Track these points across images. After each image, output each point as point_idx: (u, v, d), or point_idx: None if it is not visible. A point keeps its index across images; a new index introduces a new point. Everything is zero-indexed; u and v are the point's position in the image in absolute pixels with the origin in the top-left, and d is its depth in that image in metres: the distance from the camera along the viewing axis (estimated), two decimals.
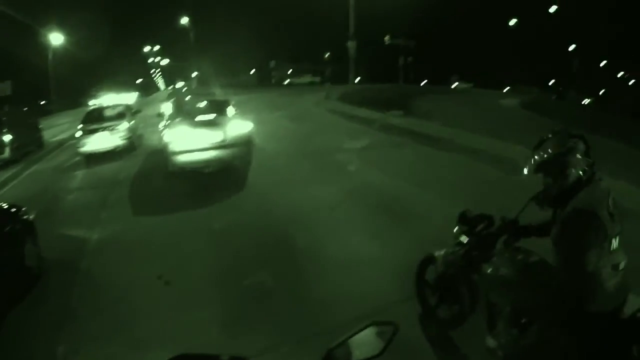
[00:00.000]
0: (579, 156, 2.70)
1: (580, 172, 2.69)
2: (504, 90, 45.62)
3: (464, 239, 3.61)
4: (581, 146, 2.72)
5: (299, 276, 5.46)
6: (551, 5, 50.40)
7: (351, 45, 26.77)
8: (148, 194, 10.00)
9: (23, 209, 6.53)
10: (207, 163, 9.58)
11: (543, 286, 2.94)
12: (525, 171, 2.87)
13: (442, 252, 3.88)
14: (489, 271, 3.31)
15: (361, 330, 1.62)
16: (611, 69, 61.97)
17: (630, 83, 60.17)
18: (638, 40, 51.97)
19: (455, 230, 3.69)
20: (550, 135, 2.82)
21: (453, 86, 52.17)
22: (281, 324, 4.51)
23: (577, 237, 2.59)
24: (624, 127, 17.04)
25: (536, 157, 2.80)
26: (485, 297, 3.43)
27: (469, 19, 64.86)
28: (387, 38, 46.73)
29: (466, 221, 3.63)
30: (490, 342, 3.30)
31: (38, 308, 5.33)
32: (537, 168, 2.80)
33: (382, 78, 49.61)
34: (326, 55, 34.40)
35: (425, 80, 52.76)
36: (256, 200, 8.54)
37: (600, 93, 52.61)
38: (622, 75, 62.24)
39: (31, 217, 6.52)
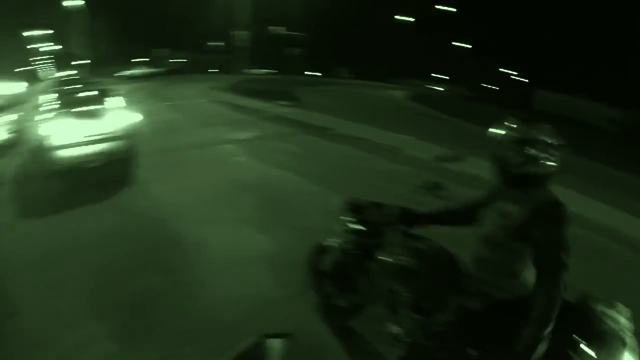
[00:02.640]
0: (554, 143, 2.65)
1: (554, 163, 2.65)
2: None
3: (357, 227, 3.57)
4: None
5: (189, 276, 5.17)
6: None
7: (240, 34, 26.39)
8: (31, 193, 8.99)
9: None
10: (89, 158, 8.78)
11: (443, 272, 3.04)
12: (500, 144, 2.72)
13: (336, 241, 3.82)
14: (386, 259, 3.30)
15: (249, 347, 1.54)
16: None
17: None
18: None
19: (344, 218, 3.64)
20: (524, 117, 2.73)
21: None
22: (173, 328, 4.27)
23: (561, 232, 2.52)
24: None
25: (514, 131, 2.67)
26: (382, 285, 3.40)
27: (358, 12, 66.21)
28: (275, 28, 46.84)
29: (358, 209, 3.59)
30: (394, 328, 3.30)
31: None
32: (515, 142, 2.66)
33: (272, 67, 49.60)
34: (215, 44, 33.54)
35: (314, 72, 53.41)
36: (138, 198, 8.04)
37: None
38: None
39: None
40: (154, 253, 5.87)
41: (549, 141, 2.62)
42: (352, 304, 3.93)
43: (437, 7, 60.05)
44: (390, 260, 3.26)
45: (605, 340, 2.59)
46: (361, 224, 3.55)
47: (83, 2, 55.44)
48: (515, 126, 2.67)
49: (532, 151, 2.60)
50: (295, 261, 4.73)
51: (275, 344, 1.59)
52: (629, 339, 2.68)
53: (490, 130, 2.77)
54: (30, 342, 4.27)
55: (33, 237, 6.58)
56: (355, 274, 3.71)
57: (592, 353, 2.53)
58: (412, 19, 62.83)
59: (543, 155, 2.62)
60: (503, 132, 2.69)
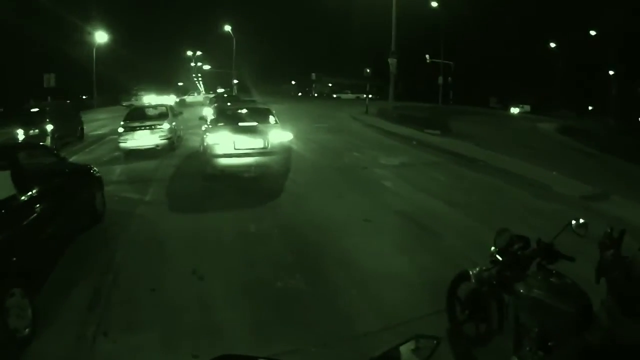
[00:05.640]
0: None
1: None
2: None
3: (499, 257, 3.66)
4: None
5: (331, 283, 5.57)
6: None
7: (392, 62, 26.77)
8: (185, 193, 10.20)
9: (94, 168, 8.89)
10: (246, 168, 9.83)
11: (573, 311, 2.98)
12: None
13: (477, 270, 3.91)
14: (521, 291, 3.34)
15: (404, 342, 1.65)
16: None
17: None
18: None
19: (492, 248, 3.73)
20: None
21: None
22: (309, 328, 4.61)
23: None
24: None
25: None
26: (514, 317, 3.44)
27: (509, 42, 63.99)
28: (427, 57, 47.17)
29: (504, 241, 3.66)
30: None
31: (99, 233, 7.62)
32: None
33: (421, 96, 50.02)
34: (367, 71, 34.61)
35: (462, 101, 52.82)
36: (292, 208, 8.72)
37: None
38: None
39: (99, 175, 8.72)
40: (302, 256, 6.41)
41: None
42: (480, 333, 3.95)
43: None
44: (526, 293, 3.29)
45: None
46: (505, 256, 3.63)
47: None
48: None
49: None
50: (433, 284, 4.92)
51: (427, 344, 1.67)
52: None
53: None
54: (165, 314, 4.93)
55: (186, 229, 7.78)
56: (489, 303, 3.79)
57: None
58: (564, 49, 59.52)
59: None
60: None
